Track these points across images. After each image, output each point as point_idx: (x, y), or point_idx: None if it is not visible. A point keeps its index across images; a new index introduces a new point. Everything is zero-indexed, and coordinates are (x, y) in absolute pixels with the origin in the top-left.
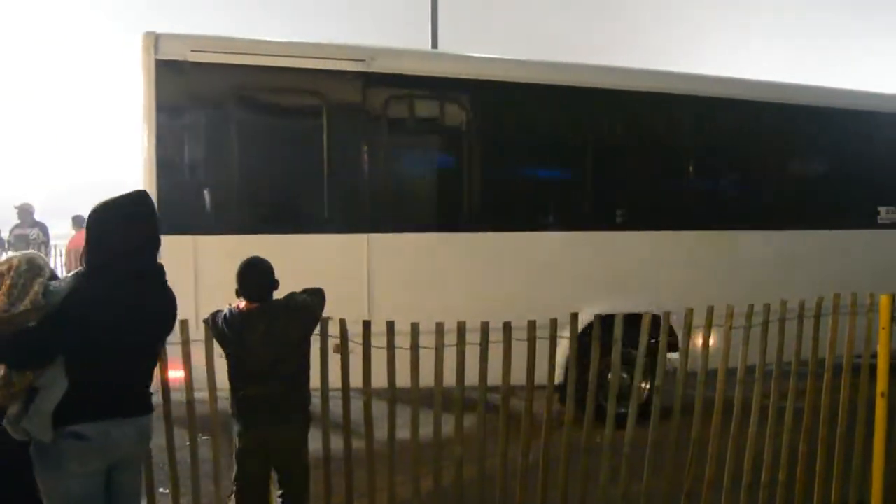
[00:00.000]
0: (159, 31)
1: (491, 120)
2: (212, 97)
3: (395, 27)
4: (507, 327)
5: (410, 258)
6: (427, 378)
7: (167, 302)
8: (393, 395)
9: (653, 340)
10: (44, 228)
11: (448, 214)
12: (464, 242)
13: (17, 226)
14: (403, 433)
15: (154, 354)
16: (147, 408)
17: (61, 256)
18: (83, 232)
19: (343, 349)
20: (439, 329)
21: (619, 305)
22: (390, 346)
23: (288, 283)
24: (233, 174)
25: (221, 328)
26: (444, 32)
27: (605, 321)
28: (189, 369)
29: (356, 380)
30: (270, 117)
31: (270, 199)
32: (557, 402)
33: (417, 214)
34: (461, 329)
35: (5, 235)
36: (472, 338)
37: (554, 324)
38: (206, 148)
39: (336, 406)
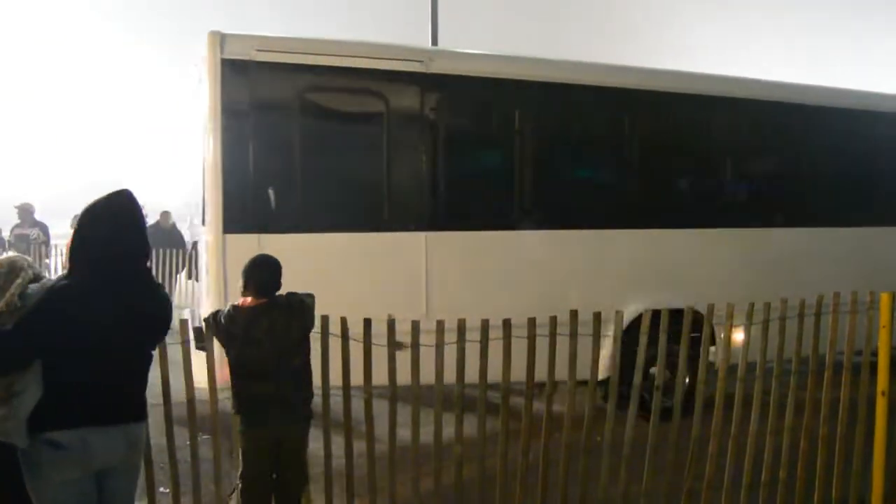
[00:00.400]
0: (225, 31)
1: (541, 121)
2: (274, 96)
3: (395, 24)
4: (553, 322)
5: (464, 255)
6: (450, 376)
7: (158, 304)
8: (394, 393)
9: (694, 335)
10: (44, 228)
11: (501, 213)
12: (515, 240)
13: (17, 225)
14: (404, 432)
15: (145, 358)
16: (137, 415)
17: (62, 256)
18: None
19: (392, 346)
20: (484, 326)
21: (663, 301)
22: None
23: (349, 280)
24: (295, 173)
25: (225, 326)
26: (443, 33)
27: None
28: (189, 368)
29: (356, 378)
30: (331, 116)
31: (331, 198)
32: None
33: (472, 213)
34: (507, 325)
35: (6, 235)
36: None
37: (598, 318)
38: (268, 146)
39: (336, 404)
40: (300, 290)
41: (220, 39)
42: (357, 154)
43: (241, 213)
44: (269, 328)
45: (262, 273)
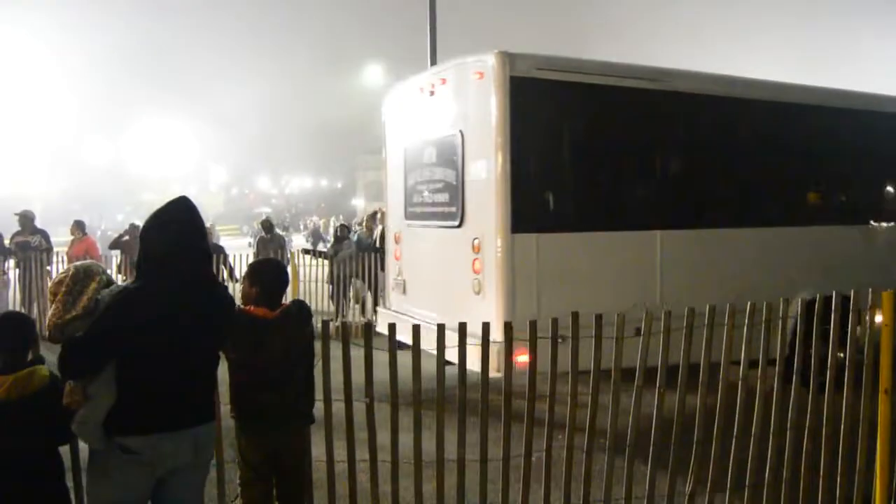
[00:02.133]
0: (515, 50)
1: (758, 137)
2: (550, 109)
3: (395, 32)
4: (753, 309)
5: (687, 251)
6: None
7: (222, 306)
8: (395, 398)
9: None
10: (45, 235)
11: (724, 213)
12: (729, 237)
13: (17, 233)
14: (406, 437)
15: (211, 360)
16: (207, 416)
17: (63, 263)
18: (88, 238)
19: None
20: (711, 310)
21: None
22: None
23: (601, 272)
24: (564, 179)
25: (237, 331)
26: (443, 34)
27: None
28: None
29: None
30: (597, 129)
31: (595, 201)
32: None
33: (697, 214)
34: (712, 311)
35: (7, 243)
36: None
37: (786, 304)
38: (546, 155)
39: (338, 409)
40: (573, 279)
41: (508, 59)
42: (614, 162)
43: (524, 215)
44: (283, 340)
45: (277, 284)
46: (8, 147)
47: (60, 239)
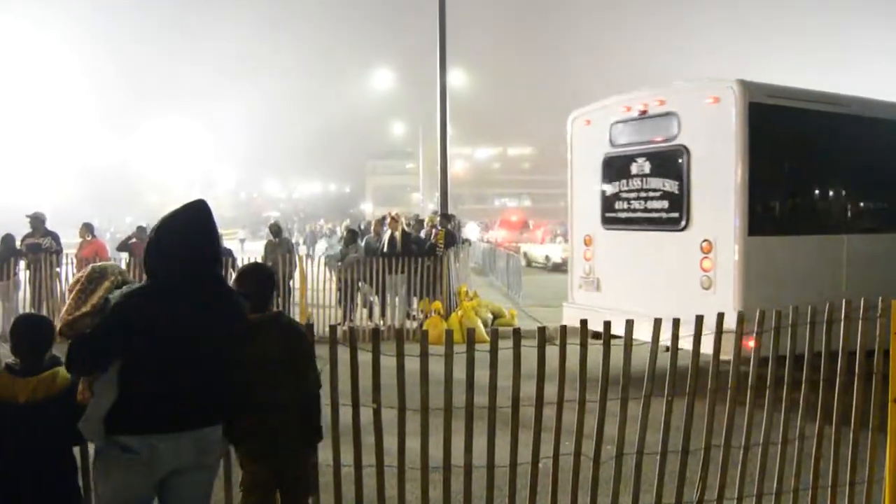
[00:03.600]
0: (748, 79)
1: None
2: (776, 130)
3: (404, 37)
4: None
5: (869, 251)
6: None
7: (232, 310)
8: (402, 402)
9: None
10: (56, 237)
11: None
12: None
13: (28, 235)
14: (413, 442)
15: (220, 364)
16: (210, 419)
17: (72, 265)
18: (97, 241)
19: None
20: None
21: None
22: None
23: (803, 269)
24: (784, 188)
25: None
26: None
27: None
28: None
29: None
30: (808, 148)
31: (807, 208)
32: None
33: (879, 219)
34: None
35: (17, 245)
36: None
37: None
38: (773, 169)
39: (344, 414)
40: (787, 274)
41: (747, 87)
42: (821, 176)
43: (756, 220)
44: (265, 349)
45: (264, 283)
46: (18, 149)
47: (70, 241)
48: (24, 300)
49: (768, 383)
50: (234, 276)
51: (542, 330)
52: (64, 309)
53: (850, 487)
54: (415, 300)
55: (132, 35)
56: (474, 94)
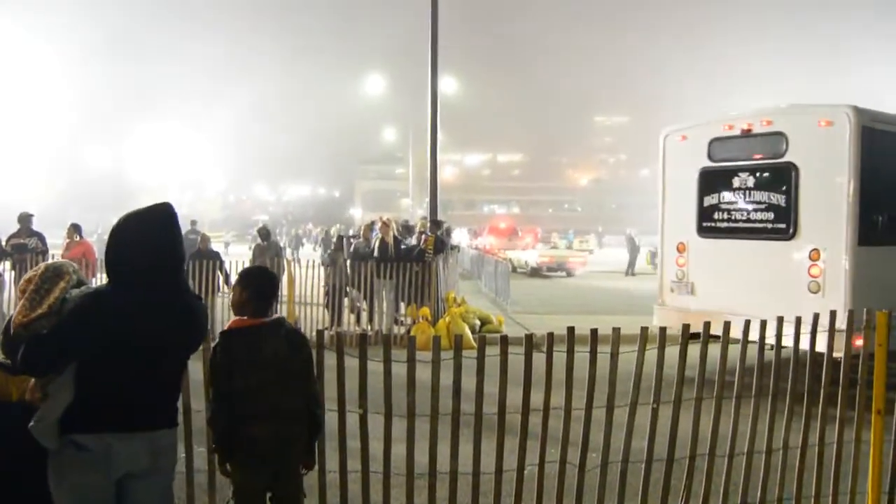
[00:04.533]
0: (861, 106)
1: None
2: (881, 152)
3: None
4: None
5: None
6: None
7: (192, 314)
8: (388, 408)
9: None
10: (42, 237)
11: None
12: None
13: (14, 235)
14: (399, 448)
15: (178, 367)
16: (165, 422)
17: None
18: (84, 242)
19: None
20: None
21: None
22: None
23: None
24: (886, 204)
25: (221, 357)
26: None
27: None
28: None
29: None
30: None
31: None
32: None
33: None
34: None
35: (3, 244)
36: None
37: None
38: (876, 186)
39: (330, 419)
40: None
41: (860, 113)
42: None
43: (864, 231)
44: (273, 354)
45: (267, 285)
46: (5, 149)
47: (57, 241)
48: (8, 301)
49: (753, 392)
50: (221, 278)
51: (529, 337)
52: (17, 309)
53: (833, 498)
54: (402, 305)
55: (123, 36)
56: (465, 100)
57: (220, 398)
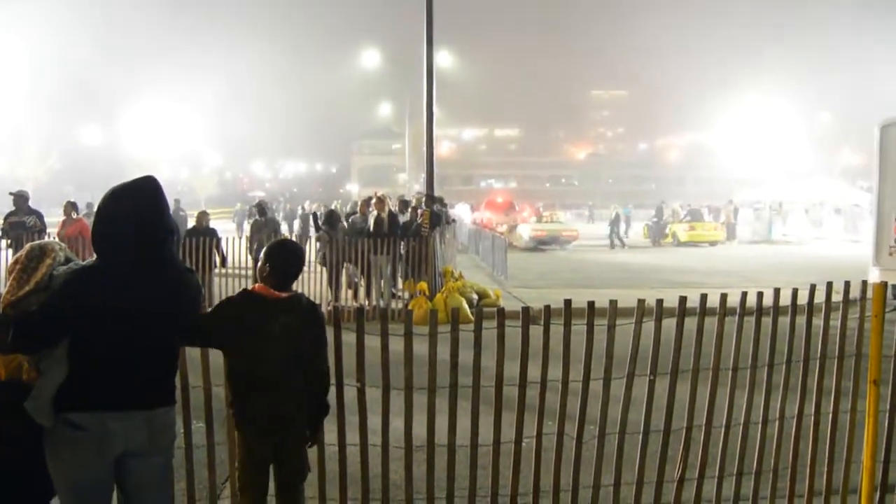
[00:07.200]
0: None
1: None
2: None
3: (391, 16)
4: None
5: None
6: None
7: (184, 288)
8: (386, 382)
9: None
10: (40, 216)
11: None
12: None
13: (12, 213)
14: (397, 422)
15: (171, 343)
16: (162, 400)
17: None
18: (81, 220)
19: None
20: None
21: None
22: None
23: None
24: None
25: (235, 314)
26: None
27: None
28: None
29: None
30: None
31: None
32: None
33: None
34: None
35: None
36: None
37: None
38: None
39: (329, 393)
40: None
41: None
42: None
43: None
44: (282, 329)
45: (292, 261)
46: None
47: (53, 220)
48: (5, 278)
49: (750, 364)
50: (218, 258)
51: (525, 310)
52: (5, 289)
53: (829, 466)
54: (399, 280)
55: (118, 12)
56: (462, 74)
57: (230, 366)
